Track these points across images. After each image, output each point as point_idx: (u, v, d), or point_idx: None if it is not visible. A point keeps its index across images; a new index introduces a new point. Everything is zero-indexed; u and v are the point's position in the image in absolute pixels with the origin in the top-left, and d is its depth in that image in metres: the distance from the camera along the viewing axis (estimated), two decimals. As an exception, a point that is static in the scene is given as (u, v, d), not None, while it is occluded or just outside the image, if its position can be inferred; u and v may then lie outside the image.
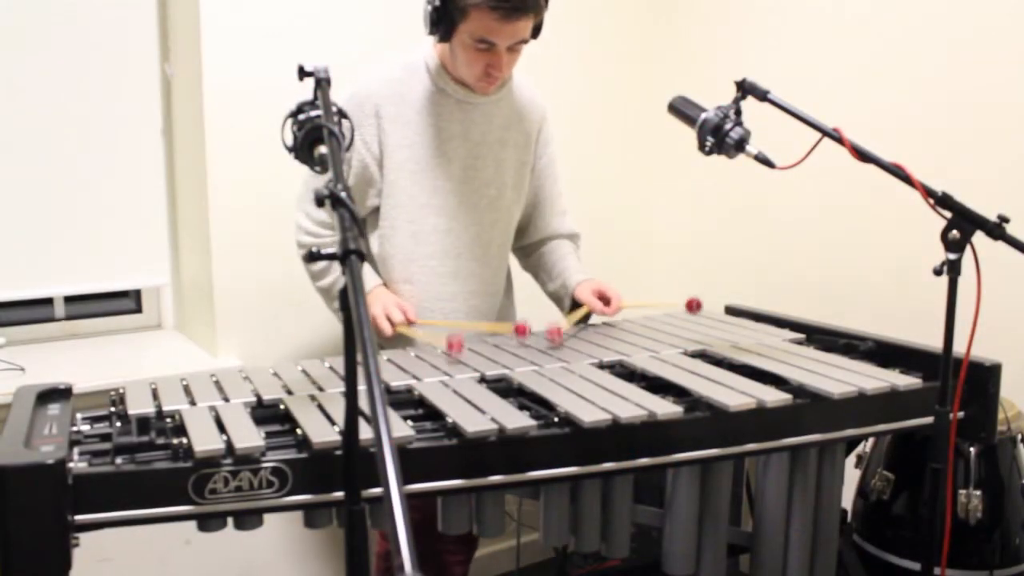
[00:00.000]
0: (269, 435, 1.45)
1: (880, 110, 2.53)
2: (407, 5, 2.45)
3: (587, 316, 2.18)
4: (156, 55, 2.53)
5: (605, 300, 2.13)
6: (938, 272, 1.62)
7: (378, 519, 1.46)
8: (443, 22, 1.88)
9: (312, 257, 1.12)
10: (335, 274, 2.05)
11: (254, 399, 1.61)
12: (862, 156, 1.67)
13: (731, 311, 2.40)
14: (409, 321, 1.98)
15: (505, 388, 1.71)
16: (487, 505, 1.57)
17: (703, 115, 1.78)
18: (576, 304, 2.16)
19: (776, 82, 1.84)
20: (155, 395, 1.62)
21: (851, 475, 2.06)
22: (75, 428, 1.50)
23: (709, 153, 1.79)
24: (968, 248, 1.61)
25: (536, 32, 1.96)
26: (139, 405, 1.55)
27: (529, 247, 2.32)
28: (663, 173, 3.20)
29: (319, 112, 1.35)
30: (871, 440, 2.20)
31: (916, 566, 1.99)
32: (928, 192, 1.62)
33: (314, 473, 1.39)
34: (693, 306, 2.22)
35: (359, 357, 0.95)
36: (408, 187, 2.03)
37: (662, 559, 1.72)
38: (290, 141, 1.40)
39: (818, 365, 1.85)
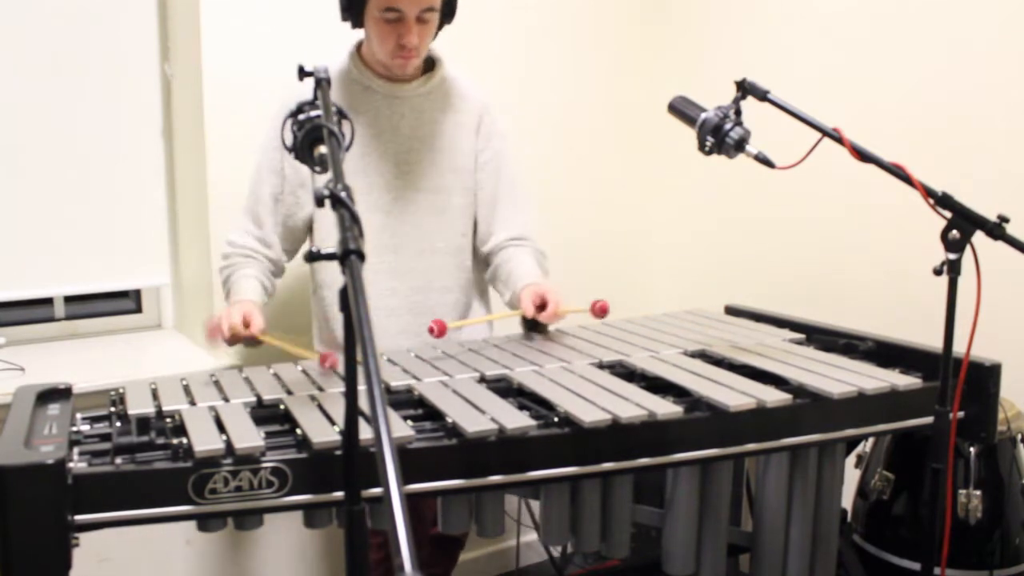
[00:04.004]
0: (269, 435, 1.45)
1: (880, 110, 2.53)
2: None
3: (530, 322, 2.04)
4: (156, 55, 2.53)
5: (541, 305, 1.97)
6: (938, 272, 1.62)
7: (378, 519, 1.46)
8: (352, 4, 1.91)
9: (312, 257, 1.12)
10: (226, 288, 2.03)
11: (254, 399, 1.61)
12: (862, 156, 1.67)
13: (731, 311, 2.40)
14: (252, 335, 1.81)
15: (505, 388, 1.71)
16: (487, 505, 1.57)
17: (703, 115, 1.78)
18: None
19: (776, 82, 1.84)
20: (155, 395, 1.62)
21: (851, 475, 2.06)
22: (75, 428, 1.50)
23: (709, 153, 1.79)
24: (968, 248, 1.61)
25: (450, 11, 1.97)
26: (139, 405, 1.55)
27: (488, 256, 2.18)
28: (663, 173, 3.20)
29: (319, 112, 1.35)
30: (871, 440, 2.20)
31: (916, 566, 1.99)
32: (928, 192, 1.62)
33: (314, 473, 1.39)
34: (597, 310, 2.04)
35: (359, 357, 0.95)
36: None
37: (662, 559, 1.72)
38: (290, 141, 1.40)
39: (818, 365, 1.85)
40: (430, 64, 2.10)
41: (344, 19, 1.95)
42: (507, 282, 2.12)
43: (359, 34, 2.04)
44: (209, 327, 1.83)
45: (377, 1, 1.88)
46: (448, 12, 1.98)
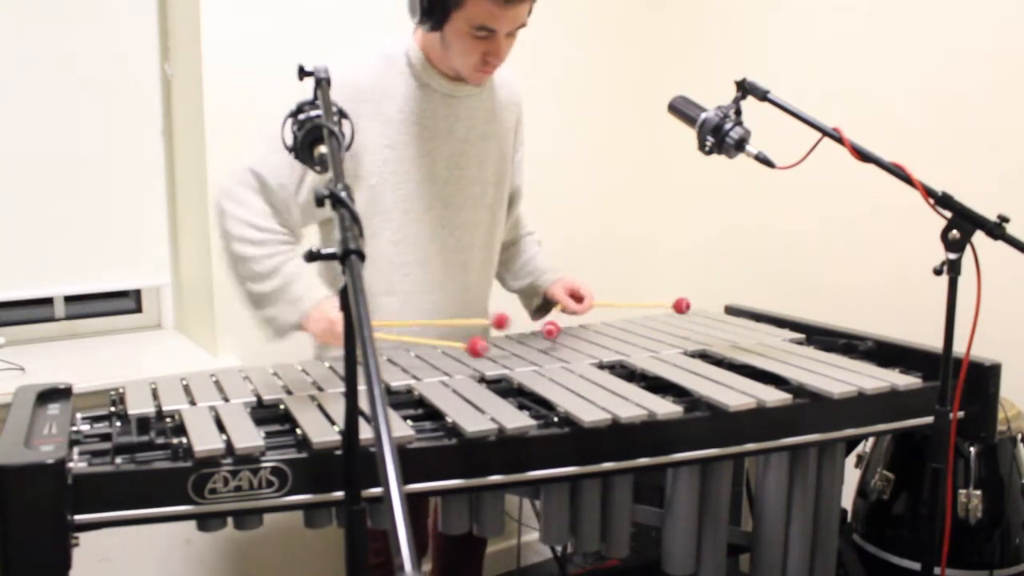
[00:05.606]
0: (269, 435, 1.45)
1: (880, 110, 2.53)
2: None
3: (544, 309, 2.20)
4: (156, 55, 2.53)
5: (578, 298, 2.10)
6: (938, 272, 1.62)
7: (378, 519, 1.47)
8: (435, 11, 1.76)
9: (312, 257, 1.12)
10: (279, 279, 1.83)
11: (254, 399, 1.61)
12: (862, 156, 1.67)
13: (731, 311, 2.40)
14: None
15: (505, 388, 1.71)
16: (487, 505, 1.57)
17: (703, 115, 1.78)
18: (547, 302, 2.16)
19: (776, 82, 1.84)
20: (155, 395, 1.62)
21: (851, 475, 2.06)
22: (75, 428, 1.51)
23: (709, 153, 1.79)
24: (968, 248, 1.61)
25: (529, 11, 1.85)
26: (139, 405, 1.55)
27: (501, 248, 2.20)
28: (663, 174, 3.20)
29: (319, 112, 1.35)
30: (871, 440, 2.20)
31: (916, 566, 1.99)
32: (928, 192, 1.62)
33: (314, 473, 1.39)
34: (682, 307, 2.16)
35: (359, 357, 0.95)
36: (391, 191, 1.88)
37: (662, 559, 1.72)
38: (290, 141, 1.40)
39: (818, 365, 1.85)
40: None
41: (420, 22, 1.79)
42: (517, 273, 2.20)
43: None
44: (333, 333, 1.77)
45: (468, 17, 1.75)
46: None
